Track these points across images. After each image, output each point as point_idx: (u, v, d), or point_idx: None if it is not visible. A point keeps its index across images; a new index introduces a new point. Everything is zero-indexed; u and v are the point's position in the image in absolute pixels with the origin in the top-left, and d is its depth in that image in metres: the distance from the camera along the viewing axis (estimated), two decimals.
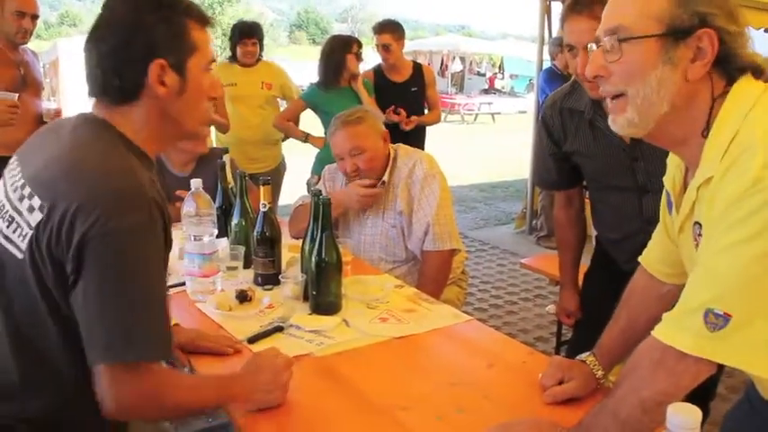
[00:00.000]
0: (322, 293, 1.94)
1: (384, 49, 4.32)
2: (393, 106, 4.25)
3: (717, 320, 1.00)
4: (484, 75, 27.80)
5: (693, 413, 0.77)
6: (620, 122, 1.14)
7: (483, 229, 6.79)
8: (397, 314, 1.96)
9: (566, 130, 2.09)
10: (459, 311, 2.06)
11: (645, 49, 1.07)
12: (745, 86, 1.08)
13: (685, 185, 1.22)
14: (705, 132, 1.09)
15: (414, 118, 4.31)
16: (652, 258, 1.48)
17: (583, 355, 1.54)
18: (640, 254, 1.75)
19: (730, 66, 1.07)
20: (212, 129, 4.08)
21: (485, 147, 12.82)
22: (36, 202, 1.21)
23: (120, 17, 1.28)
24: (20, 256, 1.21)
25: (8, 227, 1.24)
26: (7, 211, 1.26)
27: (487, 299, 4.81)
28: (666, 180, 1.33)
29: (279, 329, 1.81)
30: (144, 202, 1.20)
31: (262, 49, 4.35)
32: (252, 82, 4.27)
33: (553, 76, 5.44)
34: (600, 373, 1.50)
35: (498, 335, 1.95)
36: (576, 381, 1.48)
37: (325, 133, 4.22)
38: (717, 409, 2.16)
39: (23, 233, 1.21)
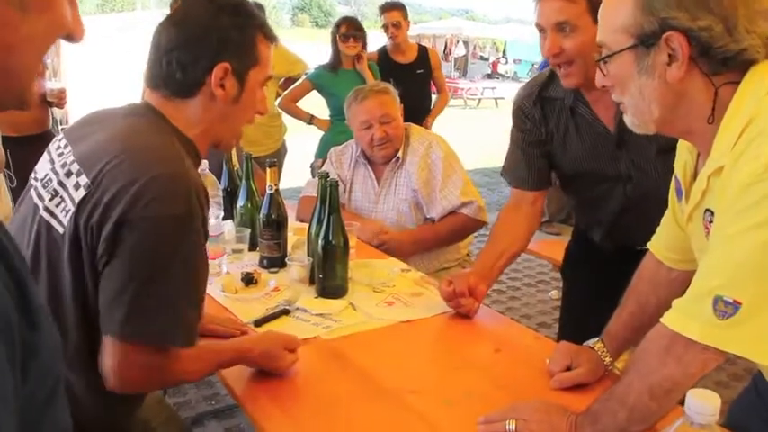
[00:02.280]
0: (328, 277, 1.93)
1: (394, 26, 4.29)
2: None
3: (726, 308, 0.99)
4: (487, 59, 27.72)
5: (712, 399, 0.76)
6: (628, 124, 1.20)
7: (487, 214, 6.77)
8: (403, 298, 1.96)
9: (547, 119, 1.97)
10: None
11: (622, 62, 1.12)
12: (762, 71, 1.06)
13: (696, 173, 1.21)
14: (711, 119, 1.08)
15: (429, 120, 4.42)
16: (660, 245, 1.47)
17: (590, 341, 1.53)
18: (618, 235, 1.74)
19: (713, 59, 1.05)
20: None
21: (488, 132, 12.75)
22: (83, 180, 1.21)
23: (200, 13, 1.30)
24: (61, 230, 1.22)
25: (51, 200, 1.25)
26: (53, 186, 1.26)
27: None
28: (677, 166, 1.31)
29: (285, 312, 1.81)
30: (188, 194, 1.20)
31: None
32: None
33: None
34: (608, 359, 1.49)
35: (504, 319, 1.95)
36: (583, 367, 1.48)
37: (331, 116, 4.24)
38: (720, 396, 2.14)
39: (66, 209, 1.22)
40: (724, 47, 1.03)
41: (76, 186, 1.22)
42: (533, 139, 1.98)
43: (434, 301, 1.93)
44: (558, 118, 1.93)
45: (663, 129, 1.16)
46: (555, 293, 4.51)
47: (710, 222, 1.10)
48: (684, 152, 1.28)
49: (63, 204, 1.23)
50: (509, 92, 20.28)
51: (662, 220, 1.47)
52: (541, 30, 1.77)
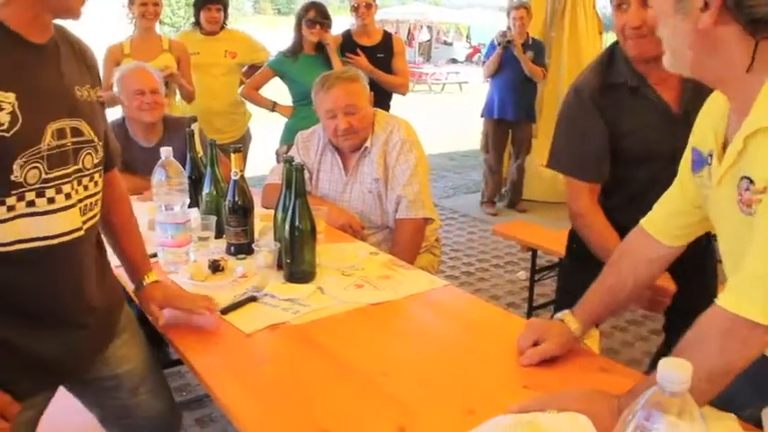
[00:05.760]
0: (296, 261, 1.91)
1: (366, 7, 4.23)
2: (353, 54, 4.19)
3: None
4: (451, 44, 27.70)
5: (684, 368, 0.76)
6: (666, 64, 1.17)
7: (453, 198, 6.81)
8: (372, 281, 1.95)
9: (613, 106, 1.93)
10: (434, 277, 2.06)
11: None
12: None
13: (727, 136, 1.17)
14: (749, 69, 1.04)
15: (376, 71, 4.20)
16: (658, 221, 1.45)
17: (560, 314, 1.53)
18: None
19: (740, 15, 1.02)
20: (177, 97, 4.00)
21: (453, 116, 12.81)
22: None
23: None
24: None
25: None
26: None
27: (459, 266, 4.84)
28: (695, 138, 1.30)
29: (252, 299, 1.79)
30: None
31: (226, 16, 4.24)
32: (215, 50, 4.17)
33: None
34: (578, 331, 1.49)
35: (474, 299, 1.95)
36: (550, 341, 1.47)
37: (294, 102, 4.20)
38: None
39: None
40: (755, 6, 1.00)
41: None
42: (601, 128, 1.95)
43: (403, 284, 1.93)
44: (623, 101, 1.93)
45: (697, 73, 1.13)
46: (523, 274, 4.55)
47: (746, 190, 1.06)
48: (707, 119, 1.26)
49: None
50: (473, 76, 20.44)
51: (662, 198, 1.46)
52: (621, 4, 1.81)
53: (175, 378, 2.99)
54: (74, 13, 1.32)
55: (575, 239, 2.21)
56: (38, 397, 1.44)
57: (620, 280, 1.48)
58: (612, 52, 1.97)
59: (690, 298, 1.73)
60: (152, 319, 1.67)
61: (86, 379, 1.59)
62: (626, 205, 2.07)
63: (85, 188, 1.40)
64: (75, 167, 1.36)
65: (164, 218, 1.98)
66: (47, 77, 1.30)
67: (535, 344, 1.49)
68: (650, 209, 1.98)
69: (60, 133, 1.31)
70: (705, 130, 1.26)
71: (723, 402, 1.13)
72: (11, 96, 1.21)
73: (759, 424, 1.18)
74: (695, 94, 1.85)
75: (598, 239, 1.96)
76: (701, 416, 0.80)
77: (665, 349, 2.26)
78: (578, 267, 2.26)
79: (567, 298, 2.29)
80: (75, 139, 1.35)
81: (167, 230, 1.98)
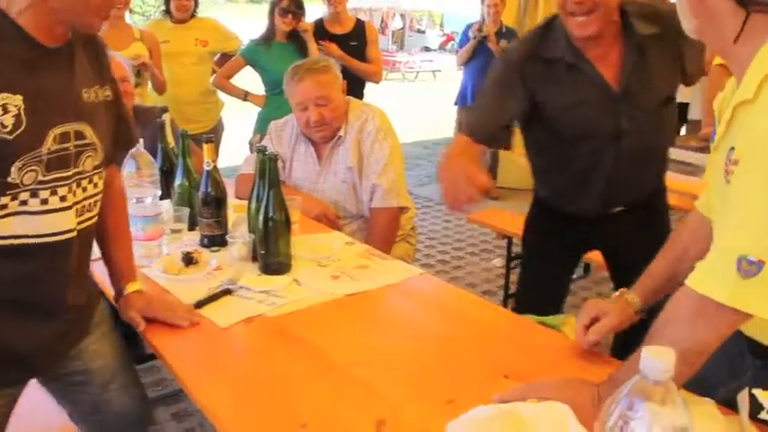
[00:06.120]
0: (271, 253, 1.89)
1: None
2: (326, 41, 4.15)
3: (750, 267, 0.95)
4: (424, 32, 27.65)
5: (667, 356, 0.76)
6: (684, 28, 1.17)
7: (428, 186, 6.80)
8: (348, 271, 1.93)
9: (545, 79, 1.91)
10: (411, 266, 2.05)
11: None
12: None
13: None
14: (736, 40, 1.05)
15: (349, 59, 4.16)
16: (704, 199, 1.40)
17: (618, 291, 1.50)
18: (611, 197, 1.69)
19: None
20: (149, 87, 3.93)
21: (427, 104, 12.79)
22: None
23: None
24: None
25: None
26: None
27: (434, 254, 4.84)
28: (716, 107, 1.28)
29: (227, 292, 1.76)
30: None
31: (197, 4, 4.17)
32: (185, 39, 4.10)
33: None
34: (637, 305, 1.45)
35: (451, 287, 1.94)
36: (611, 315, 1.44)
37: (266, 91, 4.15)
38: None
39: None
40: None
41: None
42: (515, 95, 1.93)
43: (380, 273, 1.92)
44: (558, 77, 1.90)
45: (702, 38, 1.14)
46: (498, 261, 4.57)
47: (730, 161, 1.05)
48: (728, 93, 1.24)
49: None
50: (446, 64, 20.44)
51: (705, 177, 1.41)
52: None
53: (151, 373, 2.95)
54: (94, 29, 1.33)
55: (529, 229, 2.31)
56: (8, 389, 1.42)
57: (682, 251, 1.45)
58: (551, 24, 1.93)
59: None
60: (132, 324, 1.62)
61: (58, 374, 1.57)
62: (570, 186, 2.08)
63: (84, 190, 1.39)
64: (76, 170, 1.34)
65: (135, 210, 1.93)
66: (56, 81, 1.29)
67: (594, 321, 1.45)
68: (595, 192, 2.00)
69: (63, 137, 1.30)
70: (719, 98, 1.25)
71: (698, 381, 1.14)
72: (18, 99, 1.19)
73: (733, 405, 1.18)
74: (635, 70, 1.86)
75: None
76: (683, 402, 0.79)
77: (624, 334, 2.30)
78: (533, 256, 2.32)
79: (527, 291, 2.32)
80: (77, 143, 1.34)
81: (138, 223, 1.93)
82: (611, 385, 1.12)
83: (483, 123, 1.99)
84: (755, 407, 1.10)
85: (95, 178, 1.42)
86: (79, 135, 1.34)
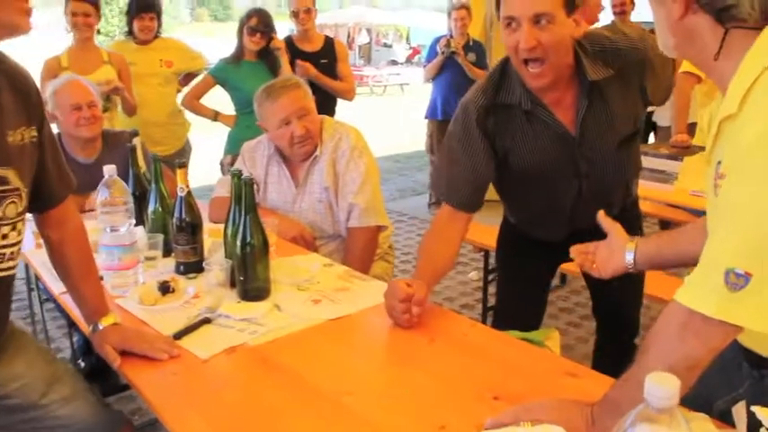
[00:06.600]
0: (249, 279, 1.84)
1: (305, 12, 4.17)
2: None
3: (737, 280, 0.94)
4: (391, 46, 27.79)
5: (671, 382, 0.74)
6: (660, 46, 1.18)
7: (400, 201, 6.79)
8: (329, 294, 1.90)
9: (504, 128, 1.85)
10: None
11: None
12: None
13: None
14: (716, 57, 1.05)
15: (323, 77, 4.16)
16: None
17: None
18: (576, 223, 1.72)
19: (707, 5, 1.03)
20: (119, 109, 3.87)
21: (396, 118, 12.83)
22: None
23: None
24: None
25: None
26: None
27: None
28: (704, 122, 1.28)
29: (206, 321, 1.71)
30: None
31: (160, 24, 4.13)
32: (150, 60, 4.05)
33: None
34: (631, 261, 1.52)
35: (435, 308, 1.91)
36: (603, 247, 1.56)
37: (237, 111, 4.11)
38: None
39: None
40: None
41: None
42: (483, 153, 1.86)
43: (361, 296, 1.89)
44: (516, 125, 1.84)
45: (682, 56, 1.16)
46: (474, 275, 4.56)
47: (718, 175, 1.04)
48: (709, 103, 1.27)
49: None
50: (413, 78, 20.56)
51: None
52: (511, 22, 1.68)
53: (127, 402, 2.88)
54: (22, 29, 1.25)
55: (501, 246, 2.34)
56: None
57: (685, 234, 1.48)
58: (504, 69, 1.85)
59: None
60: (108, 360, 1.57)
61: None
62: (536, 217, 2.13)
63: (4, 237, 1.33)
64: None
65: (109, 240, 1.88)
66: None
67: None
68: (561, 221, 2.02)
69: None
70: (707, 113, 1.25)
71: (694, 393, 1.13)
72: None
73: (728, 419, 1.18)
74: (592, 114, 1.82)
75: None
76: (687, 427, 0.78)
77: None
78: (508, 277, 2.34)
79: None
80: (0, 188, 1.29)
81: (114, 253, 1.88)
82: (606, 406, 1.12)
83: (458, 188, 1.91)
84: (754, 424, 1.09)
85: (18, 225, 1.37)
86: (1, 180, 1.29)
